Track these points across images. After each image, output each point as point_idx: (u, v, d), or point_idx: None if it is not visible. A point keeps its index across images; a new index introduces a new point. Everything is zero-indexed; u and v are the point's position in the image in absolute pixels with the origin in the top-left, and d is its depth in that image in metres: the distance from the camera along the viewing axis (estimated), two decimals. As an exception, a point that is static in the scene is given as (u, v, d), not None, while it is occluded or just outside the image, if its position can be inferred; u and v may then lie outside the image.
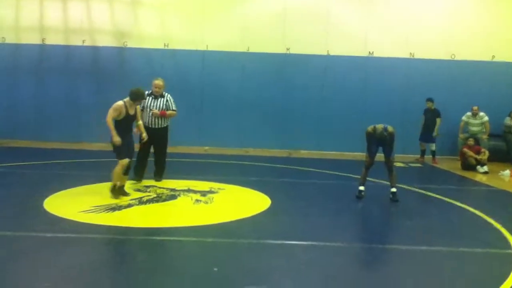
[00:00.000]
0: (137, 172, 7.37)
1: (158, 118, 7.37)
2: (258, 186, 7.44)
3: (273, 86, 12.90)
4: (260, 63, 12.89)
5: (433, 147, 11.86)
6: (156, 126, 7.37)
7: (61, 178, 7.66)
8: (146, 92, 7.08)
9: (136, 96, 6.40)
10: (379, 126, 6.90)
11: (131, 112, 6.41)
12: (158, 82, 7.44)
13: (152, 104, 7.35)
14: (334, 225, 5.67)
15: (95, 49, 12.92)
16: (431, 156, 11.89)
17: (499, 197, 7.95)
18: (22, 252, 4.25)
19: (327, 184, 8.32)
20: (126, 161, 6.32)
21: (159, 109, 7.35)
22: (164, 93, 7.53)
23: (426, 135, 11.88)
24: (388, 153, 6.96)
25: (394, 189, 6.95)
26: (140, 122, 6.77)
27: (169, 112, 7.47)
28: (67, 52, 12.90)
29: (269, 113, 12.86)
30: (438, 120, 11.78)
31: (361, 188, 7.06)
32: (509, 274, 4.08)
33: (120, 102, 6.34)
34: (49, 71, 12.85)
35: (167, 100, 7.50)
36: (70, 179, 7.43)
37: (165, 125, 7.50)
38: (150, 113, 7.32)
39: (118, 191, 6.34)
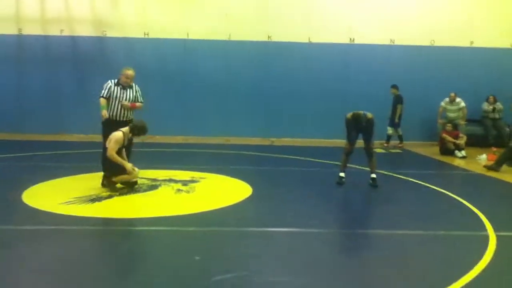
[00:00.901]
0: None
1: (126, 110, 6.85)
2: (240, 175, 7.47)
3: (255, 74, 12.90)
4: (242, 51, 12.86)
5: (389, 131, 12.04)
6: (123, 119, 6.83)
7: (40, 170, 7.58)
8: (113, 82, 6.83)
9: (142, 133, 6.42)
10: (359, 113, 6.97)
11: (126, 142, 6.42)
12: (131, 72, 6.92)
13: (121, 95, 6.81)
14: (315, 211, 5.73)
15: (74, 39, 12.73)
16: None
17: (476, 181, 8.12)
18: (1, 246, 4.21)
19: (308, 171, 8.39)
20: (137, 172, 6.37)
21: (129, 101, 6.87)
22: (132, 83, 7.07)
23: (391, 120, 12.05)
24: (368, 140, 7.04)
25: (373, 175, 7.04)
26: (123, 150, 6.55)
27: (138, 104, 6.98)
28: (45, 42, 12.69)
29: (251, 101, 12.88)
30: (399, 106, 11.93)
31: (342, 174, 7.14)
32: (483, 255, 4.20)
33: (120, 134, 6.28)
34: (27, 61, 12.64)
35: (136, 91, 7.05)
36: (49, 171, 7.36)
37: (131, 118, 6.99)
38: (119, 105, 6.79)
39: (112, 185, 6.31)
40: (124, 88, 6.86)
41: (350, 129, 7.04)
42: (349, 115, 7.01)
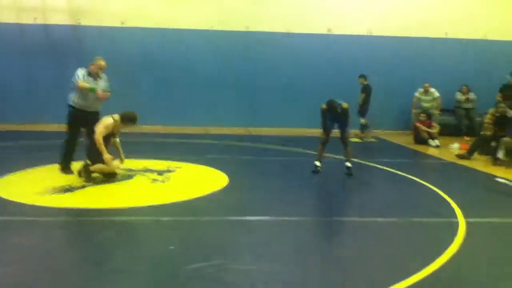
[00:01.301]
0: (67, 158, 6.70)
1: (98, 101, 6.69)
2: (216, 164, 7.45)
3: (234, 64, 12.85)
4: (222, 40, 12.76)
5: (362, 121, 12.07)
6: (94, 110, 6.70)
7: (12, 160, 7.43)
8: (84, 71, 6.57)
9: (132, 122, 6.39)
10: (334, 101, 7.02)
11: (115, 130, 6.34)
12: (104, 63, 6.74)
13: (95, 85, 6.58)
14: (292, 200, 5.77)
15: (48, 27, 12.42)
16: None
17: (449, 169, 8.30)
18: (-29, 237, 4.13)
19: (286, 160, 8.43)
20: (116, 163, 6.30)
21: (101, 91, 6.68)
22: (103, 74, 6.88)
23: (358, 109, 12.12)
24: (343, 129, 7.11)
25: (349, 164, 7.12)
26: (118, 139, 6.54)
27: (108, 94, 6.79)
28: (19, 30, 12.35)
29: (231, 91, 12.84)
30: (362, 95, 11.96)
31: (317, 163, 7.20)
32: (453, 240, 4.32)
33: (110, 120, 6.21)
34: (2, 50, 12.29)
35: (106, 81, 6.83)
36: (23, 161, 7.20)
37: (100, 108, 6.84)
38: (92, 96, 6.58)
39: (88, 174, 6.23)
40: (95, 78, 6.65)
41: (325, 119, 7.10)
42: (324, 105, 7.06)
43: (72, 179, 6.22)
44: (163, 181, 6.32)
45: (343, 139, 7.14)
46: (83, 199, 5.41)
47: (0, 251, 3.87)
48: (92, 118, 6.60)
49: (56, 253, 3.92)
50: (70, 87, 6.67)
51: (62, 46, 12.16)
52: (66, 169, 6.63)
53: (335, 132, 7.23)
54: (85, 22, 12.45)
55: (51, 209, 5.02)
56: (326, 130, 7.11)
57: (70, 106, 6.62)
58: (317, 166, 7.17)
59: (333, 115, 7.02)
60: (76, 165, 6.56)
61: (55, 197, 5.38)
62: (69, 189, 5.73)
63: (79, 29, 12.46)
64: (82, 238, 4.32)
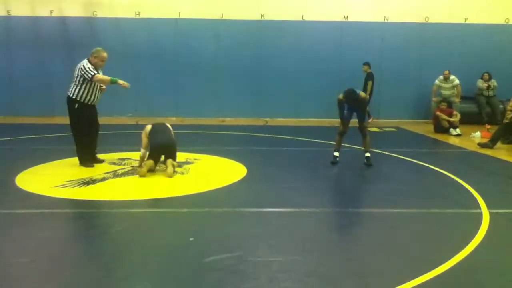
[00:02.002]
0: (86, 152, 6.69)
1: (101, 94, 6.74)
2: (234, 155, 7.45)
3: (248, 54, 12.79)
4: (234, 30, 12.72)
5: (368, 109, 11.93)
6: (96, 103, 6.73)
7: (33, 153, 7.53)
8: (89, 64, 6.42)
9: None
10: (350, 90, 6.90)
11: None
12: (106, 54, 6.62)
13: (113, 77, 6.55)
14: (309, 191, 5.73)
15: (63, 20, 12.53)
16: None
17: (470, 158, 8.14)
18: (-6, 230, 4.20)
19: (303, 151, 8.38)
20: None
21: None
22: None
23: None
24: (361, 119, 7.03)
25: (368, 154, 7.04)
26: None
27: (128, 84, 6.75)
28: (34, 24, 12.49)
29: (245, 81, 12.80)
30: (369, 83, 11.85)
31: (336, 154, 7.13)
32: (476, 232, 4.23)
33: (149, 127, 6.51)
34: (17, 43, 12.47)
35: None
36: (42, 154, 7.30)
37: None
38: (97, 89, 6.59)
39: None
40: (97, 71, 6.54)
41: (342, 109, 7.02)
42: (340, 95, 6.96)
43: (93, 172, 6.27)
44: (182, 173, 6.33)
45: (362, 129, 7.05)
46: (104, 192, 5.45)
47: (21, 242, 3.92)
48: (95, 111, 6.70)
49: (75, 245, 3.96)
50: (72, 81, 6.53)
51: (78, 38, 12.24)
52: (86, 161, 6.64)
53: (353, 122, 7.14)
54: (100, 14, 12.50)
55: (72, 201, 5.09)
56: (344, 120, 7.03)
57: (77, 101, 6.46)
58: (335, 157, 7.10)
59: (350, 105, 6.93)
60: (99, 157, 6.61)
61: (76, 190, 5.44)
62: (90, 182, 5.78)
63: (95, 21, 12.53)
64: (101, 230, 4.35)
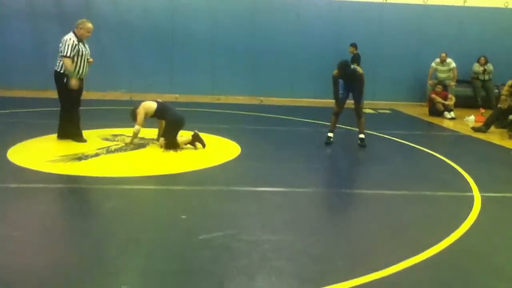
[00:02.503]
0: (76, 127, 6.64)
1: (88, 67, 6.55)
2: (229, 134, 7.42)
3: (245, 32, 12.63)
4: (231, 7, 12.54)
5: None
6: (86, 76, 6.63)
7: (25, 127, 7.46)
8: (73, 37, 6.25)
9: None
10: (344, 64, 6.75)
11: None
12: (92, 25, 6.40)
13: (85, 51, 6.40)
14: (303, 171, 5.74)
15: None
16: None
17: (464, 142, 8.18)
18: (-15, 203, 4.18)
19: (298, 131, 8.36)
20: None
21: (90, 56, 6.56)
22: None
23: None
24: (358, 99, 6.96)
25: (362, 135, 7.03)
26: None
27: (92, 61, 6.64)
28: (29, -2, 12.25)
29: (241, 59, 12.67)
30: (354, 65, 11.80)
31: (330, 134, 7.12)
32: (468, 215, 4.26)
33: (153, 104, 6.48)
34: (10, 16, 12.21)
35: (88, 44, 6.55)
36: (35, 128, 7.23)
37: None
38: (85, 63, 6.44)
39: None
40: (83, 43, 6.43)
41: (336, 87, 6.89)
42: (335, 71, 6.80)
43: (86, 147, 6.23)
44: (175, 150, 6.30)
45: (357, 110, 7.00)
46: (97, 167, 5.41)
47: (13, 216, 3.91)
48: (83, 85, 6.60)
49: (66, 220, 3.96)
50: (58, 54, 6.35)
51: (73, 12, 11.97)
52: (78, 136, 6.58)
53: (349, 103, 7.12)
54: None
55: (65, 177, 5.05)
56: (339, 100, 6.98)
57: (64, 74, 6.34)
58: (329, 137, 7.09)
59: (346, 82, 6.83)
60: (87, 133, 6.56)
61: (69, 165, 5.40)
62: (83, 157, 5.75)
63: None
64: (93, 206, 4.35)
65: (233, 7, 12.53)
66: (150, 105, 6.49)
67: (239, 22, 12.60)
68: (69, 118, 6.55)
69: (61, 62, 6.35)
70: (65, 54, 6.22)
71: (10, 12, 12.20)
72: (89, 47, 6.61)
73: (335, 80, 6.87)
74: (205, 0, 12.46)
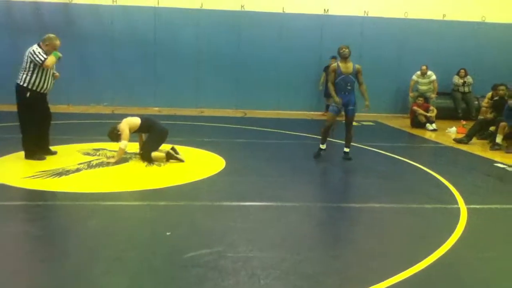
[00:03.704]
0: (44, 143, 6.44)
1: (54, 80, 6.35)
2: (213, 147, 7.35)
3: (228, 45, 12.62)
4: (215, 21, 12.54)
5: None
6: (51, 90, 6.37)
7: (4, 142, 7.26)
8: (40, 49, 6.04)
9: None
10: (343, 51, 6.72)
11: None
12: (59, 42, 6.23)
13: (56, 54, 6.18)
14: (289, 184, 5.68)
15: (36, 5, 12.11)
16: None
17: (447, 153, 8.24)
18: (-39, 222, 4.01)
19: (282, 143, 8.33)
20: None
21: (55, 71, 6.38)
22: None
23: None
24: (351, 112, 6.79)
25: (347, 149, 6.99)
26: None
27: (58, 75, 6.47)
28: (6, 7, 12.04)
29: (225, 72, 12.65)
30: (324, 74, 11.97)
31: (322, 146, 6.99)
32: (455, 228, 4.25)
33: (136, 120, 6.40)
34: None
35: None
36: (13, 143, 7.02)
37: None
38: (51, 77, 6.24)
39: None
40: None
41: (332, 78, 6.77)
42: (332, 61, 6.68)
43: (67, 162, 6.08)
44: (158, 165, 6.20)
45: (348, 123, 6.86)
46: (78, 183, 5.28)
47: (-8, 237, 3.76)
48: (46, 100, 6.38)
49: (49, 238, 3.81)
50: (22, 67, 6.12)
51: (53, 25, 11.83)
52: (35, 154, 6.21)
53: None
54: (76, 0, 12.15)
55: (44, 193, 4.90)
56: (332, 113, 6.85)
57: (29, 89, 6.07)
58: (320, 149, 6.99)
59: (343, 82, 6.69)
60: (68, 148, 6.41)
61: (49, 181, 5.26)
62: (63, 173, 5.60)
63: (71, 7, 12.17)
64: (76, 224, 4.20)
65: (217, 19, 12.53)
66: (133, 121, 6.39)
67: (223, 35, 12.60)
68: (32, 136, 6.19)
69: (24, 75, 6.09)
70: (40, 61, 5.98)
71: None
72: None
73: (332, 71, 6.77)
74: (189, 13, 12.43)
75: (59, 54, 6.19)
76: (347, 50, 6.76)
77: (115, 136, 6.29)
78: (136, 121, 6.40)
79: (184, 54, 12.49)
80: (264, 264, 3.38)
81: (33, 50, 6.04)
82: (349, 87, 6.74)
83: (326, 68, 11.77)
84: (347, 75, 6.72)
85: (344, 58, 6.75)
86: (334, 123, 7.03)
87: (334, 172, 6.76)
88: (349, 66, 6.77)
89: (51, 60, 6.07)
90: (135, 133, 6.46)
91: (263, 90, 12.76)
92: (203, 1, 12.43)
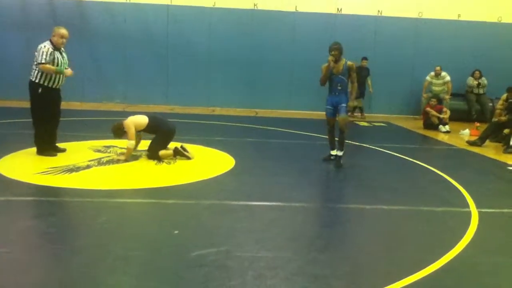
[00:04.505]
0: (52, 140, 6.46)
1: (65, 77, 6.30)
2: (223, 146, 7.35)
3: (240, 43, 12.64)
4: (227, 19, 12.54)
5: (361, 103, 12.10)
6: (61, 86, 6.35)
7: (15, 138, 7.35)
8: (48, 45, 6.06)
9: None
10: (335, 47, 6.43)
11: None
12: (67, 32, 6.19)
13: (61, 60, 6.18)
14: (298, 185, 5.65)
15: (52, 3, 12.23)
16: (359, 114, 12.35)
17: (459, 156, 8.14)
18: (-28, 217, 4.06)
19: (293, 143, 8.29)
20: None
21: (68, 66, 6.33)
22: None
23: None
24: (343, 110, 6.47)
25: (340, 153, 6.60)
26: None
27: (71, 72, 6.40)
28: (22, 6, 12.18)
29: (237, 71, 12.67)
30: (369, 78, 12.00)
31: (332, 152, 6.79)
32: (465, 232, 4.19)
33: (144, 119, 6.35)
34: (4, 26, 12.15)
35: (66, 53, 6.34)
36: (25, 139, 7.10)
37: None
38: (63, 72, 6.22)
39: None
40: (60, 51, 6.22)
41: (326, 78, 6.52)
42: (330, 58, 6.43)
43: (77, 159, 6.12)
44: (168, 163, 6.21)
45: (341, 121, 6.49)
46: (88, 180, 5.31)
47: (0, 232, 3.78)
48: (60, 96, 6.37)
49: (58, 235, 3.83)
50: (33, 64, 6.13)
51: (67, 23, 11.92)
52: (47, 150, 6.28)
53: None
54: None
55: (55, 189, 4.94)
56: (328, 116, 6.64)
57: (41, 84, 6.10)
58: (331, 155, 6.80)
59: (334, 82, 6.44)
60: (78, 144, 6.45)
61: (59, 177, 5.29)
62: (74, 169, 5.64)
63: (84, 5, 12.26)
64: (84, 221, 4.22)
65: (230, 18, 12.54)
66: (140, 120, 6.32)
67: (235, 34, 12.61)
68: (44, 132, 6.25)
69: (36, 72, 6.12)
70: (39, 61, 5.99)
71: (3, 23, 12.13)
72: (68, 57, 6.40)
73: (326, 69, 6.53)
74: (201, 11, 12.45)
75: (63, 70, 6.11)
76: (336, 52, 6.44)
77: (119, 132, 6.28)
78: (143, 120, 6.34)
79: (196, 52, 12.53)
80: (271, 264, 3.36)
81: (40, 47, 6.07)
82: (339, 87, 6.48)
83: (358, 69, 11.77)
84: (336, 75, 6.48)
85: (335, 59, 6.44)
86: (334, 124, 6.71)
87: (343, 173, 6.70)
88: (339, 66, 6.48)
89: (48, 67, 6.02)
90: (141, 132, 6.43)
91: (275, 89, 12.74)
92: (216, 0, 12.43)
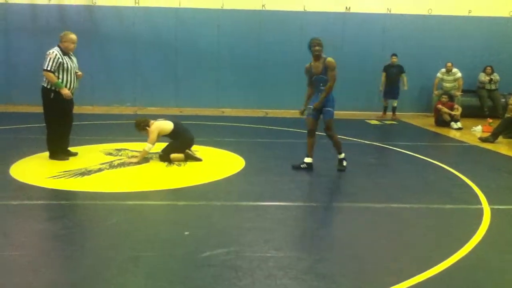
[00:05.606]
0: (65, 144, 6.52)
1: (77, 82, 6.38)
2: (233, 147, 7.37)
3: (249, 44, 12.66)
4: (235, 20, 12.58)
5: (395, 103, 11.99)
6: (75, 90, 6.38)
7: (28, 142, 7.44)
8: (57, 50, 6.09)
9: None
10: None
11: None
12: (76, 37, 6.25)
13: (71, 65, 6.22)
14: (308, 185, 5.65)
15: (62, 8, 12.37)
16: (391, 112, 12.11)
17: (471, 153, 8.06)
18: (-14, 221, 4.12)
19: (302, 143, 8.24)
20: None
21: (78, 70, 6.38)
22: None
23: (391, 91, 11.89)
24: (325, 115, 6.02)
25: (340, 155, 6.34)
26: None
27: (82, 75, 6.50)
28: (32, 11, 12.33)
29: (245, 71, 12.69)
30: (403, 75, 11.82)
31: (306, 160, 6.26)
32: (477, 229, 4.15)
33: (169, 124, 6.43)
34: (15, 31, 12.32)
35: (76, 57, 6.42)
36: (37, 143, 7.19)
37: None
38: (73, 77, 6.24)
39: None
40: (69, 55, 6.24)
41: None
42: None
43: (89, 163, 6.19)
44: (179, 165, 6.25)
45: (326, 127, 6.11)
46: (99, 183, 5.36)
47: (14, 235, 3.84)
48: (72, 101, 6.38)
49: (70, 237, 3.88)
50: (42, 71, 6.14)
51: (77, 27, 12.06)
52: (59, 154, 6.34)
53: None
54: (100, 2, 12.35)
55: (67, 193, 5.00)
56: (308, 116, 6.17)
57: (53, 90, 6.12)
58: (304, 163, 6.26)
59: (316, 82, 6.00)
60: (90, 148, 6.51)
61: (71, 181, 5.36)
62: (86, 173, 5.70)
63: (94, 9, 12.38)
64: (96, 223, 4.27)
65: (238, 19, 12.57)
66: (165, 126, 6.41)
67: (244, 34, 12.64)
68: (56, 137, 6.30)
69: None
70: (44, 67, 6.03)
71: (14, 28, 12.30)
72: (77, 60, 6.45)
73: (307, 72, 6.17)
74: (210, 13, 12.50)
75: (62, 87, 6.08)
76: (318, 47, 5.97)
77: (140, 128, 6.42)
78: (168, 126, 6.41)
79: (205, 54, 12.58)
80: (280, 264, 3.37)
81: (48, 53, 6.11)
82: (322, 87, 6.01)
83: (386, 68, 11.75)
84: (317, 75, 6.05)
85: (315, 57, 6.03)
86: (315, 128, 6.28)
87: (353, 172, 6.66)
88: (319, 65, 5.99)
89: (51, 76, 6.04)
90: (164, 137, 6.49)
91: (285, 89, 12.71)
92: (224, 1, 12.48)
